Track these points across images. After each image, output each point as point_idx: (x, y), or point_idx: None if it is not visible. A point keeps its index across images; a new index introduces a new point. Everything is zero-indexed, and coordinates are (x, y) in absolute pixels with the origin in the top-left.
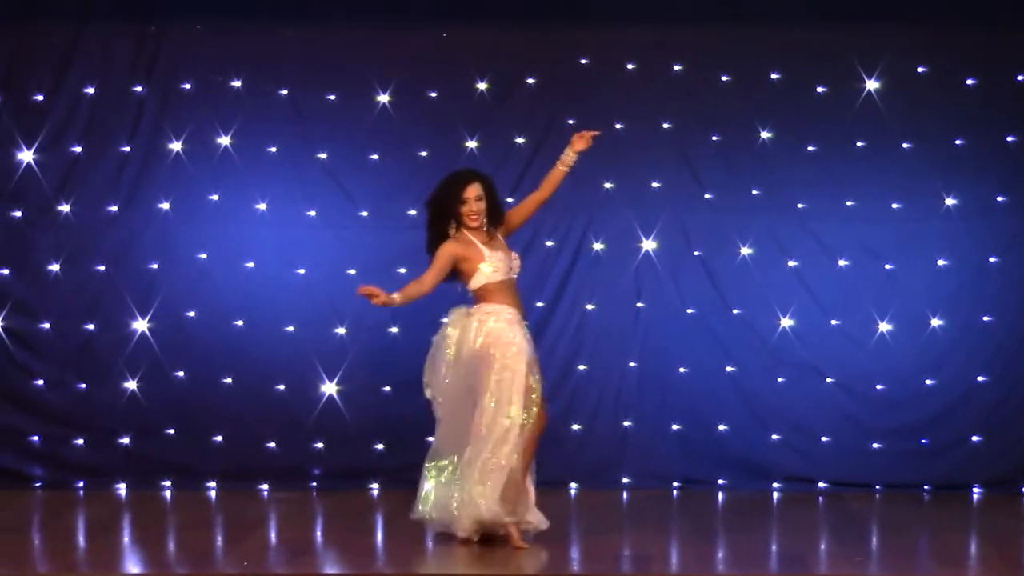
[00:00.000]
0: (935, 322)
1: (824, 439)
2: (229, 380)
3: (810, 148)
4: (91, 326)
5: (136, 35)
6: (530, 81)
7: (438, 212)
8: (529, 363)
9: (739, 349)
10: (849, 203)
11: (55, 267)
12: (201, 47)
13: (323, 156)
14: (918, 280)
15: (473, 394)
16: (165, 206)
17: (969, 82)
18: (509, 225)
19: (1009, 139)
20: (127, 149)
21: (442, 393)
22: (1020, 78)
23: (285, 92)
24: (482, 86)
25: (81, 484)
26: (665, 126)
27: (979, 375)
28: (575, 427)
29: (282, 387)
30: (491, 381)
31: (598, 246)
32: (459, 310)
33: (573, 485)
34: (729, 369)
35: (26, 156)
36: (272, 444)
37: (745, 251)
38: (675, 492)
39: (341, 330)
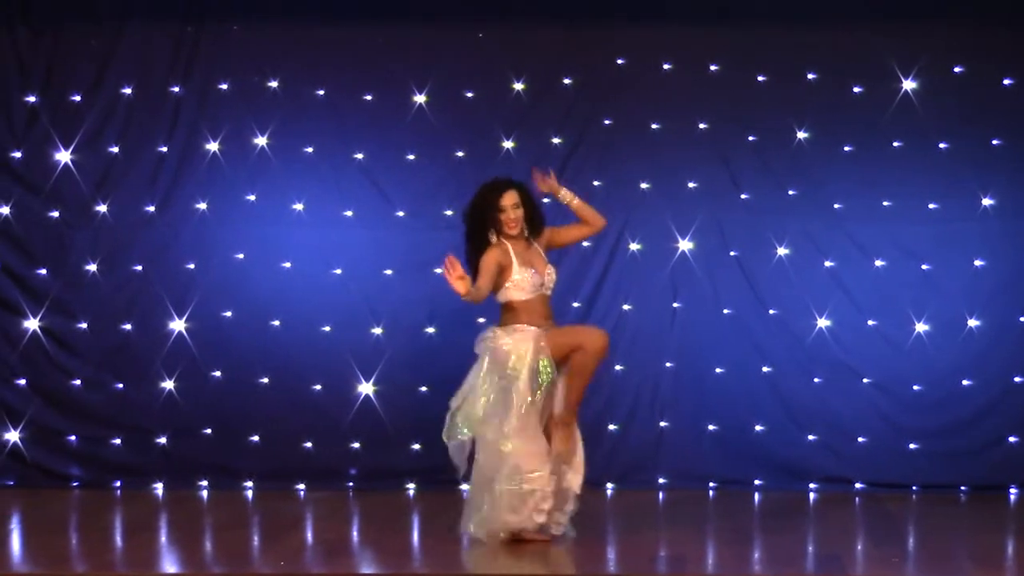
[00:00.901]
0: (972, 322)
1: (860, 440)
2: (266, 380)
3: (847, 148)
4: (128, 326)
5: (173, 36)
6: (567, 81)
7: (477, 222)
8: (534, 352)
9: (775, 349)
10: (886, 203)
11: (92, 267)
12: (238, 48)
13: (360, 156)
14: (955, 280)
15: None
16: (202, 206)
17: (1006, 82)
18: (552, 241)
19: None
20: (164, 149)
21: (481, 423)
22: None
23: (322, 92)
24: (519, 86)
25: (118, 483)
26: (702, 126)
27: (1016, 375)
28: (611, 427)
29: (319, 387)
30: (511, 400)
31: (635, 246)
32: (485, 337)
33: (609, 485)
34: (765, 369)
35: (64, 156)
36: (309, 444)
37: (781, 251)
38: (711, 492)
39: (378, 330)
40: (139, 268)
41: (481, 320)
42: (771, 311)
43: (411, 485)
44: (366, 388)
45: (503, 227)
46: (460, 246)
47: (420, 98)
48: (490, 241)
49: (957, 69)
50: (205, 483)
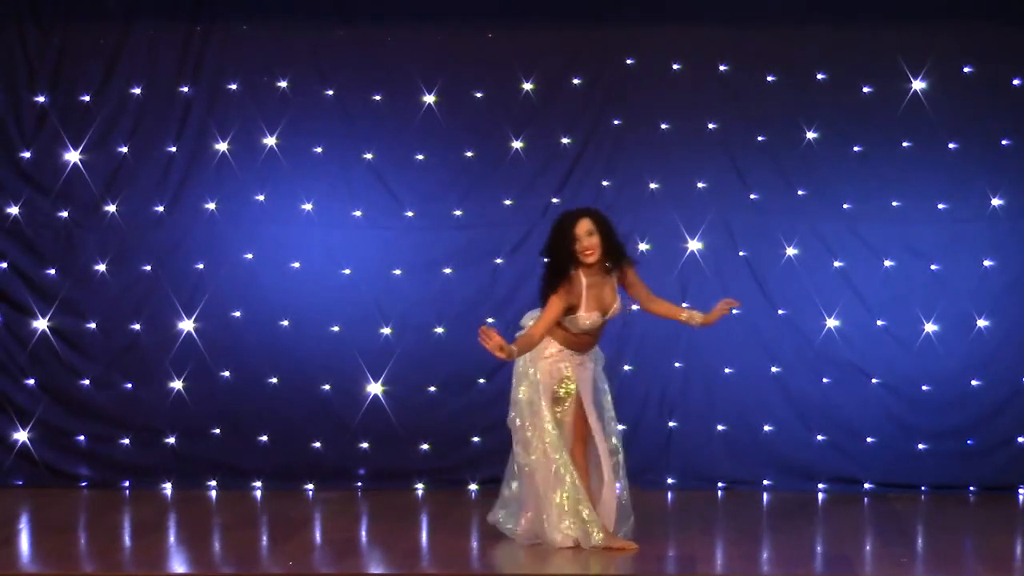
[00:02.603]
0: (981, 323)
1: (869, 440)
2: (275, 380)
3: (856, 148)
4: (137, 326)
5: (183, 36)
6: (576, 81)
7: (556, 258)
8: (559, 380)
9: (784, 350)
10: (895, 203)
11: (101, 267)
12: (247, 48)
13: (369, 156)
14: (964, 281)
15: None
16: (211, 206)
17: (1015, 82)
18: (627, 283)
19: None
20: (173, 149)
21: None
22: None
23: (331, 92)
24: (528, 86)
25: (127, 483)
26: (711, 126)
27: None
28: (620, 427)
29: (327, 387)
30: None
31: (644, 246)
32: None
33: (618, 485)
34: (774, 370)
35: (73, 156)
36: (317, 444)
37: (791, 251)
38: (720, 493)
39: (386, 330)
40: (148, 268)
41: (491, 320)
42: (780, 311)
43: (420, 485)
44: (375, 388)
45: (580, 256)
46: (468, 246)
47: (429, 98)
48: (567, 275)
49: (966, 69)
50: (214, 483)
